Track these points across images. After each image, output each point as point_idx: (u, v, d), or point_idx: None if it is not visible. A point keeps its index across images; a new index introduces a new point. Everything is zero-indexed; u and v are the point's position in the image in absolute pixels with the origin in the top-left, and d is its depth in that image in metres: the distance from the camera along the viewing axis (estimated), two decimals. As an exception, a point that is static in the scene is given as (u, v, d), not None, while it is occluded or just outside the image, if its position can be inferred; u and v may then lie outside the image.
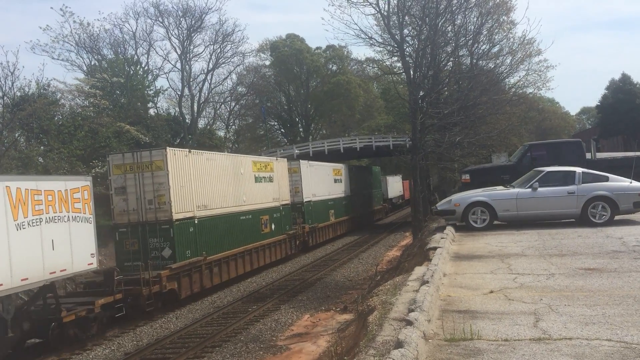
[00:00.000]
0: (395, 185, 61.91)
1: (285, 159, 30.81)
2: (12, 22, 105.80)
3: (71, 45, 49.00)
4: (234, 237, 22.41)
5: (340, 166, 40.65)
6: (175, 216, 18.48)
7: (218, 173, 21.73)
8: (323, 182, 35.59)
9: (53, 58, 49.47)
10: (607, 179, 14.49)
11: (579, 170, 14.78)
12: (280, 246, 27.21)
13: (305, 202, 31.64)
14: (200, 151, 22.10)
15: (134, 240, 17.24)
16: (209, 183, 20.84)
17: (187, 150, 20.49)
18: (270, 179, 26.78)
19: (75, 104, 41.28)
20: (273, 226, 26.13)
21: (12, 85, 37.33)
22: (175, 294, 18.31)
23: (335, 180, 38.44)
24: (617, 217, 14.18)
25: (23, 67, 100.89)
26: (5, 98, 33.53)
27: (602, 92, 59.47)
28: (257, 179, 25.26)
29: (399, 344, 5.14)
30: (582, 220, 14.26)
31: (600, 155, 22.47)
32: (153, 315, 17.42)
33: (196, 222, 19.72)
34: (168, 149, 18.89)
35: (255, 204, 24.63)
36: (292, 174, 30.67)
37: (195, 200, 19.78)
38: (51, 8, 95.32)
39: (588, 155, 20.82)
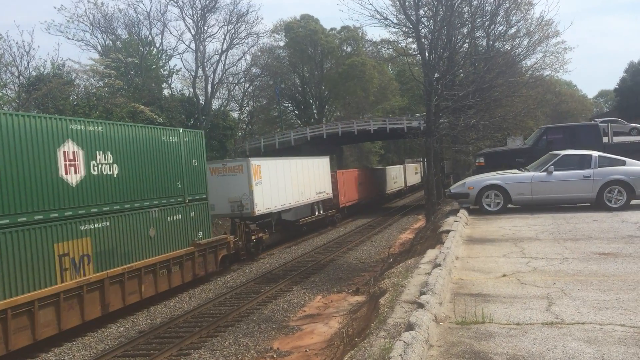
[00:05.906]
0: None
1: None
2: (28, 2, 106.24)
3: (86, 25, 49.18)
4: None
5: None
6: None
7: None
8: None
9: (68, 38, 49.89)
10: (623, 163, 14.28)
11: (595, 154, 14.59)
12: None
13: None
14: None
15: None
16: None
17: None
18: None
19: (90, 84, 41.54)
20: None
21: (28, 65, 37.76)
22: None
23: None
24: (633, 202, 14.02)
25: (38, 47, 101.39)
26: (21, 77, 33.79)
27: (621, 75, 58.69)
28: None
29: (410, 326, 5.14)
30: (598, 204, 14.12)
31: (618, 139, 22.14)
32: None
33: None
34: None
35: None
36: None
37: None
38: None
39: (605, 139, 20.55)
